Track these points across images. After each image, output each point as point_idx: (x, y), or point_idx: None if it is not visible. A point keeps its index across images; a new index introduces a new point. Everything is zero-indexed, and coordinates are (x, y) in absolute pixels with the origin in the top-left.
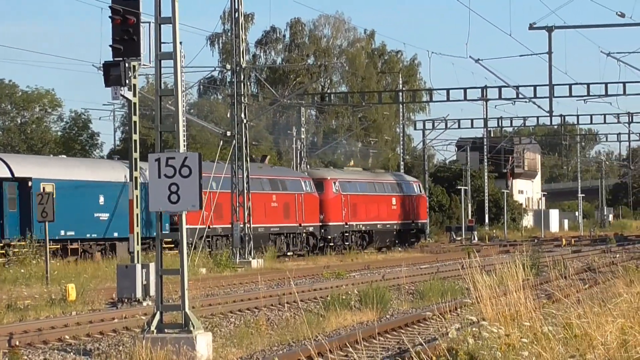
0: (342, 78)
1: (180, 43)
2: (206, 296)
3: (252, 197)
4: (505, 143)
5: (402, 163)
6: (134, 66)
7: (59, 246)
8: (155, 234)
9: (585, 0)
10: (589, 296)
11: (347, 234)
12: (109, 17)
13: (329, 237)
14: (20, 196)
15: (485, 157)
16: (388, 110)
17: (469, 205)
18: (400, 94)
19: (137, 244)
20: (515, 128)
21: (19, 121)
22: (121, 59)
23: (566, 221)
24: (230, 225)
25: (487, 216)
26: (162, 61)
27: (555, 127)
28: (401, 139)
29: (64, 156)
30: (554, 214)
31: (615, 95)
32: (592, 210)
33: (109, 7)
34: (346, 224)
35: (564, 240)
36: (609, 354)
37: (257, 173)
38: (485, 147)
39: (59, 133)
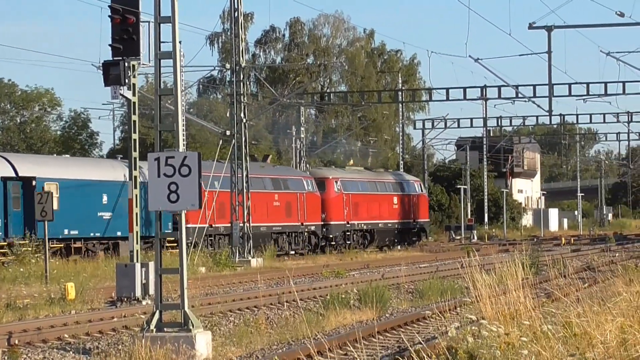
0: (342, 77)
1: (180, 42)
2: (205, 295)
3: (255, 196)
4: (504, 142)
5: (401, 162)
6: (133, 65)
7: (62, 245)
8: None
9: None
10: (589, 295)
11: (349, 233)
12: (109, 16)
13: (331, 236)
14: (24, 195)
15: (485, 156)
16: (387, 110)
17: (469, 204)
18: (400, 93)
19: (137, 243)
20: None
21: (19, 120)
22: (121, 58)
23: (565, 220)
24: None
25: (486, 215)
26: (162, 60)
27: (555, 126)
28: (401, 138)
29: (68, 155)
30: (554, 213)
31: (614, 94)
32: (591, 210)
33: (109, 6)
34: (348, 223)
35: (563, 239)
36: (609, 353)
37: (259, 172)
38: (484, 146)
39: (59, 132)
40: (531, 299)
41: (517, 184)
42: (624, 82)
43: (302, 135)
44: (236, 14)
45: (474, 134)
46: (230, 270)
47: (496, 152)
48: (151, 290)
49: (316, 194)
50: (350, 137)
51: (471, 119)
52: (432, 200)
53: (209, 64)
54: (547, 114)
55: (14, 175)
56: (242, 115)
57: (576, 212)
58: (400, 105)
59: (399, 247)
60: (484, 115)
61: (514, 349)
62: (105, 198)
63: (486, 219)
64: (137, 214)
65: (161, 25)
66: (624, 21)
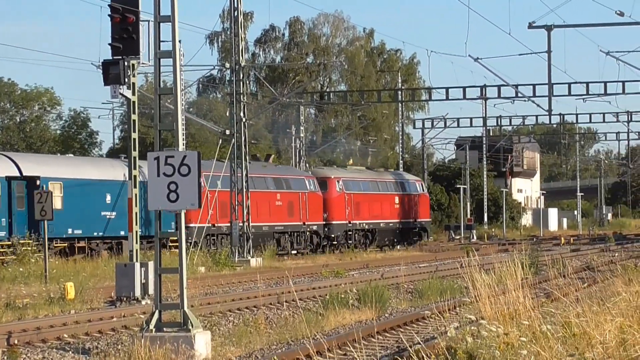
0: (341, 77)
1: (180, 42)
2: (205, 295)
3: (257, 195)
4: (504, 142)
5: (400, 162)
6: (133, 65)
7: (66, 244)
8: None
9: None
10: (588, 295)
11: (351, 233)
12: (108, 15)
13: (333, 235)
14: (29, 195)
15: (484, 155)
16: (387, 109)
17: (468, 204)
18: (400, 92)
19: (136, 242)
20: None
21: (18, 120)
22: (120, 57)
23: (565, 220)
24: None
25: (486, 215)
26: (161, 60)
27: (555, 125)
28: (400, 137)
29: (71, 155)
30: (553, 212)
31: (614, 94)
32: (591, 209)
33: (109, 5)
34: (349, 222)
35: (562, 239)
36: (608, 353)
37: (261, 172)
38: (484, 145)
39: (58, 131)
40: (530, 299)
41: (516, 183)
42: (623, 82)
43: (302, 135)
44: (236, 13)
45: (474, 134)
46: (229, 270)
47: (496, 152)
48: (150, 290)
49: (318, 194)
50: (350, 136)
51: (471, 119)
52: (431, 199)
53: (209, 63)
54: (547, 113)
55: (18, 174)
56: (241, 114)
57: (576, 212)
58: (400, 104)
59: (398, 247)
60: (484, 115)
61: (513, 349)
62: (108, 197)
63: (486, 219)
64: (136, 213)
65: (161, 24)
66: (624, 20)
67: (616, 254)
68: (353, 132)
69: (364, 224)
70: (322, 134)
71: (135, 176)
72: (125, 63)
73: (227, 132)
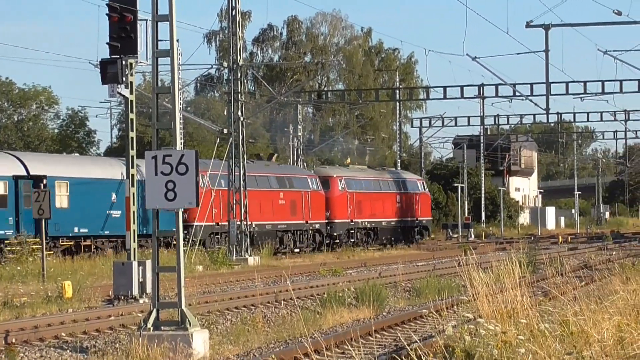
0: (339, 76)
1: (177, 41)
2: (203, 293)
3: (260, 194)
4: (502, 141)
5: (398, 161)
6: (131, 64)
7: (72, 243)
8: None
9: None
10: (586, 293)
11: (353, 231)
12: (106, 14)
13: (335, 234)
14: None
15: (482, 154)
16: (385, 108)
17: (466, 202)
18: (397, 91)
19: (134, 241)
20: (512, 126)
21: (16, 118)
22: (118, 56)
23: (563, 219)
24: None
25: (483, 214)
26: (159, 59)
27: (552, 124)
28: (398, 136)
29: (77, 154)
30: (551, 211)
31: (611, 93)
32: (588, 208)
33: (107, 4)
34: (351, 221)
35: (560, 237)
36: (605, 351)
37: (264, 171)
38: (482, 144)
39: (56, 130)
40: (528, 297)
41: (514, 182)
42: (621, 81)
43: (300, 134)
44: (234, 13)
45: (471, 132)
46: (227, 269)
47: (493, 151)
48: (148, 289)
49: (320, 193)
50: (348, 135)
51: (468, 118)
52: None
53: (207, 62)
54: (545, 112)
55: (25, 173)
56: (239, 113)
57: (573, 211)
58: (398, 103)
59: (400, 245)
60: (481, 114)
61: (511, 347)
62: (114, 196)
63: (483, 217)
64: (134, 212)
65: (159, 23)
66: (621, 20)
67: (614, 253)
68: (351, 131)
69: (366, 223)
70: (320, 132)
71: (133, 175)
72: (123, 62)
73: (225, 131)
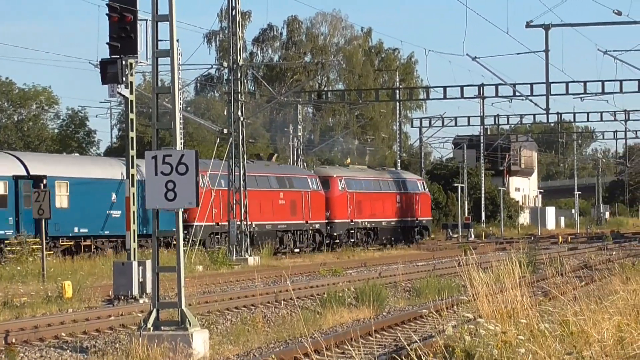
0: (339, 76)
1: (177, 41)
2: (203, 293)
3: (260, 194)
4: (502, 141)
5: (398, 161)
6: (131, 64)
7: (72, 243)
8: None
9: None
10: (586, 293)
11: (353, 231)
12: (106, 14)
13: (335, 234)
14: None
15: (482, 154)
16: (385, 108)
17: (466, 202)
18: (397, 91)
19: (134, 241)
20: (512, 126)
21: (16, 119)
22: (118, 56)
23: (562, 219)
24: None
25: (483, 214)
26: (159, 59)
27: (552, 124)
28: (398, 136)
29: (77, 154)
30: (551, 211)
31: (611, 93)
32: (588, 208)
33: (107, 4)
34: (352, 221)
35: (560, 237)
36: (605, 351)
37: (264, 171)
38: (482, 144)
39: (56, 130)
40: (528, 297)
41: (514, 182)
42: (621, 81)
43: (300, 134)
44: (234, 13)
45: (471, 133)
46: (227, 269)
47: (493, 151)
48: (148, 289)
49: (321, 193)
50: (348, 135)
51: (468, 118)
52: None
53: (207, 63)
54: (545, 112)
55: (25, 173)
56: (239, 113)
57: (573, 211)
58: (398, 103)
59: (400, 245)
60: (481, 114)
61: (511, 347)
62: (114, 196)
63: (483, 217)
64: (134, 212)
65: (159, 23)
66: (621, 20)
67: (614, 253)
68: (351, 131)
69: (366, 223)
70: (320, 133)
71: (133, 175)
72: (123, 62)
73: (225, 131)
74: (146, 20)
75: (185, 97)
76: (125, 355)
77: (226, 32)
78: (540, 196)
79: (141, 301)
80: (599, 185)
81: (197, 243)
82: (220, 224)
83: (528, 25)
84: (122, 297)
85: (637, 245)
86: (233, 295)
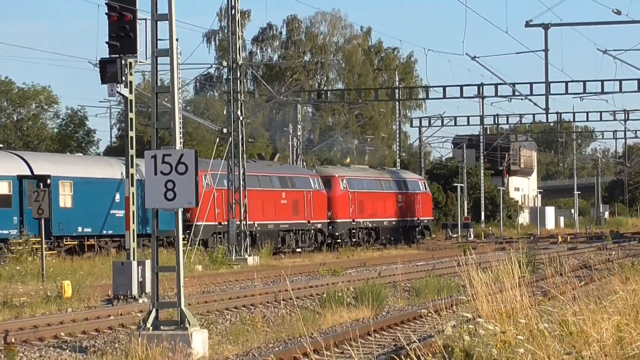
0: (339, 75)
1: (177, 40)
2: (202, 293)
3: (262, 194)
4: (501, 140)
5: (398, 160)
6: (130, 63)
7: (76, 242)
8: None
9: None
10: (585, 293)
11: (354, 231)
12: (106, 14)
13: (337, 233)
14: None
15: (482, 154)
16: (384, 108)
17: (465, 202)
18: (397, 91)
19: (133, 240)
20: (512, 125)
21: (15, 118)
22: (118, 55)
23: (562, 218)
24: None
25: (483, 213)
26: (159, 58)
27: (552, 124)
28: (397, 136)
29: (81, 154)
30: (550, 211)
31: (611, 92)
32: (588, 208)
33: (106, 4)
34: (353, 220)
35: (559, 237)
36: (605, 351)
37: (266, 170)
38: (481, 144)
39: (55, 130)
40: (527, 297)
41: (513, 182)
42: (620, 80)
43: (299, 133)
44: (233, 12)
45: (471, 132)
46: (226, 269)
47: (493, 150)
48: (148, 288)
49: (322, 192)
50: (347, 134)
51: (468, 117)
52: None
53: (206, 62)
54: (544, 112)
55: (29, 173)
56: (239, 112)
57: (573, 210)
58: (397, 103)
59: (401, 245)
60: (481, 113)
61: (510, 347)
62: (117, 196)
63: (483, 217)
64: (134, 211)
65: (158, 22)
66: (621, 19)
67: (613, 253)
68: (350, 131)
69: (368, 222)
70: (320, 132)
71: (132, 174)
72: (123, 61)
73: (225, 130)
74: (145, 19)
75: (185, 96)
76: (125, 355)
77: (225, 31)
78: (539, 196)
79: (140, 301)
80: (598, 185)
81: (198, 243)
82: (222, 223)
83: (527, 25)
84: (122, 297)
85: (637, 245)
86: (232, 295)
